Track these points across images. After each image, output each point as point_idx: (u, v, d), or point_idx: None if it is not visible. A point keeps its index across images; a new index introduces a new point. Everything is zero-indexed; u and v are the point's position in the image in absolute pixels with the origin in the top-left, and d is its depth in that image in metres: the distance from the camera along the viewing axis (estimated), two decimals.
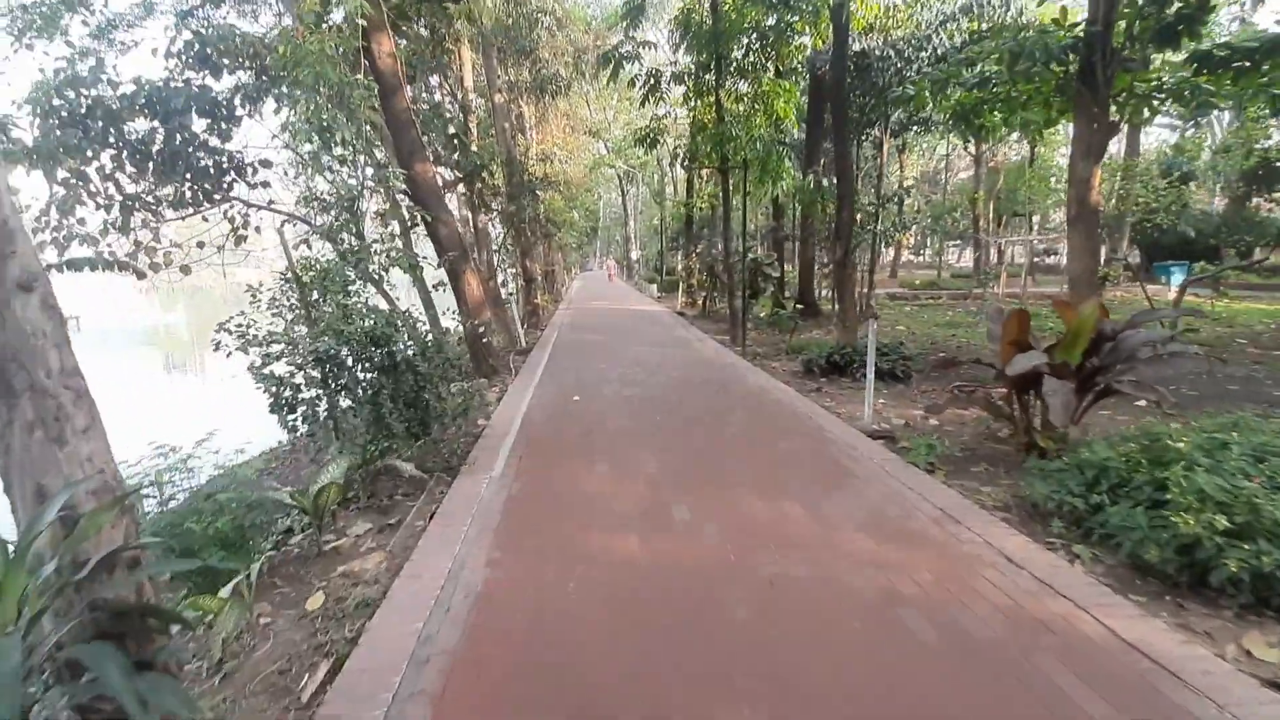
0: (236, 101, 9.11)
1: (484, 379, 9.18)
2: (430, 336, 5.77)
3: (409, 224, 9.81)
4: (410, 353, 5.24)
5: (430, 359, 5.40)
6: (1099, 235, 8.49)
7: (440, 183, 12.72)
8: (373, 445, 4.81)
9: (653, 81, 11.36)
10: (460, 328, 9.78)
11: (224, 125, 9.06)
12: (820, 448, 5.52)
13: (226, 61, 8.99)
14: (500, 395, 8.17)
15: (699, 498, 4.33)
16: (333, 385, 4.69)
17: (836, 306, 16.85)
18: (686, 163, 11.93)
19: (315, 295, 5.09)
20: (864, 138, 17.96)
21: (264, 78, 9.13)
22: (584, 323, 17.12)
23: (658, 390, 8.10)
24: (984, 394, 5.80)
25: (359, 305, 5.11)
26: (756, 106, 11.07)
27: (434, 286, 8.85)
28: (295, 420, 4.64)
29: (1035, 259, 32.52)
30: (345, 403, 4.86)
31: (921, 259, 51.80)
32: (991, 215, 35.42)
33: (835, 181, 14.75)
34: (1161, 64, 9.22)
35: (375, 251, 7.96)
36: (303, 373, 4.66)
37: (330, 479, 4.15)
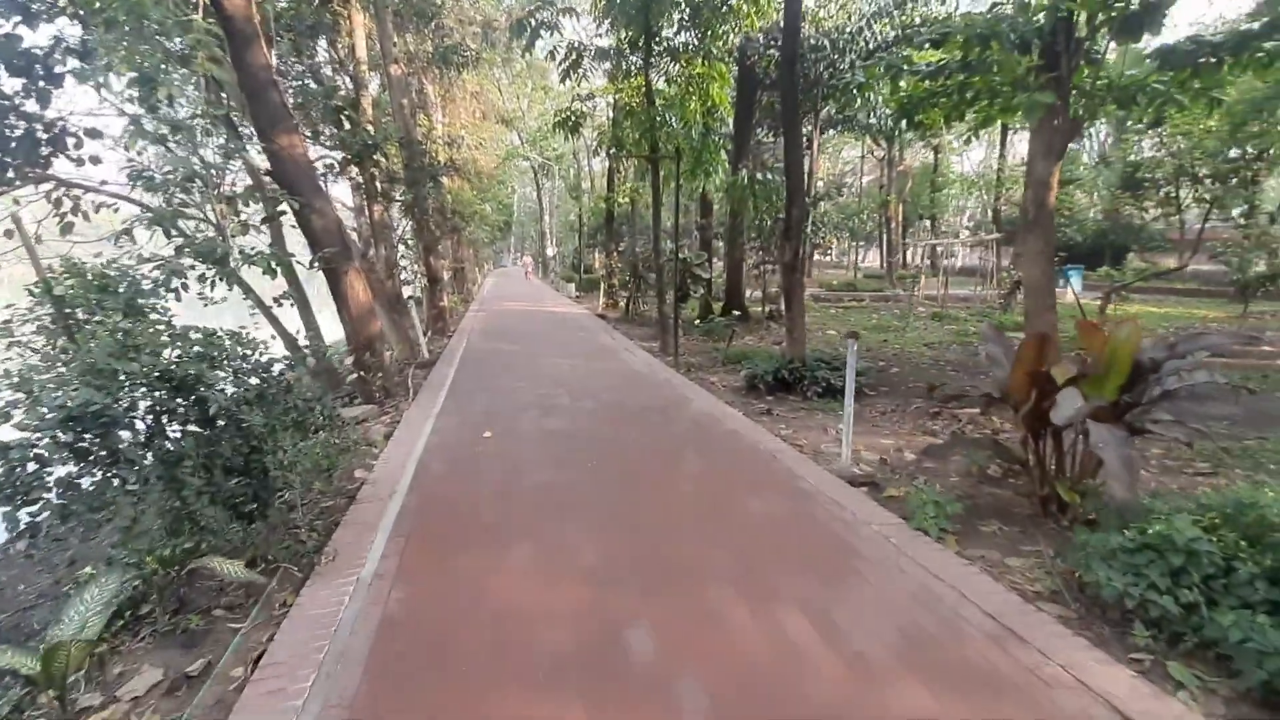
0: (57, 56, 7.02)
1: (373, 405, 7.49)
2: (280, 366, 4.15)
3: (276, 211, 7.94)
4: (244, 394, 3.64)
5: (275, 401, 3.81)
6: (1052, 239, 7.88)
7: (326, 166, 10.79)
8: (170, 543, 3.20)
9: (575, 56, 9.94)
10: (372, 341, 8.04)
11: (42, 85, 6.93)
12: (801, 507, 4.37)
13: (37, 5, 6.89)
14: (391, 430, 6.54)
15: (662, 611, 3.03)
16: (98, 457, 3.04)
17: (768, 309, 16.16)
18: (612, 150, 10.64)
19: (85, 316, 3.38)
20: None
21: (92, 28, 7.10)
22: (497, 327, 15.44)
23: (588, 420, 6.74)
24: (987, 432, 4.85)
25: (157, 330, 3.44)
26: (690, 90, 9.90)
27: (277, 301, 7.20)
28: (34, 515, 2.96)
29: (938, 261, 33.64)
30: (126, 476, 3.20)
31: (828, 259, 52.95)
32: (900, 218, 36.40)
33: (767, 177, 13.90)
34: (1119, 59, 8.77)
35: (223, 243, 6.16)
36: (50, 438, 2.98)
37: (74, 627, 2.54)
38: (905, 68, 8.62)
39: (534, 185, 45.20)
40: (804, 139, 16.91)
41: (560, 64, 10.11)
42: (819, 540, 3.83)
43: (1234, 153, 15.13)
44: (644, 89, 10.27)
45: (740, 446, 5.83)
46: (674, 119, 9.72)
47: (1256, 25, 6.84)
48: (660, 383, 8.85)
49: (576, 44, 9.86)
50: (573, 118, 10.94)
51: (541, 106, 38.38)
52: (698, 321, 12.52)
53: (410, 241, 13.08)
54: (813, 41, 12.70)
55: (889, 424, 7.00)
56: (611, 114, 16.39)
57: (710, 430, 6.38)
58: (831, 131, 22.87)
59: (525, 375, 9.27)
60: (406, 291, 15.39)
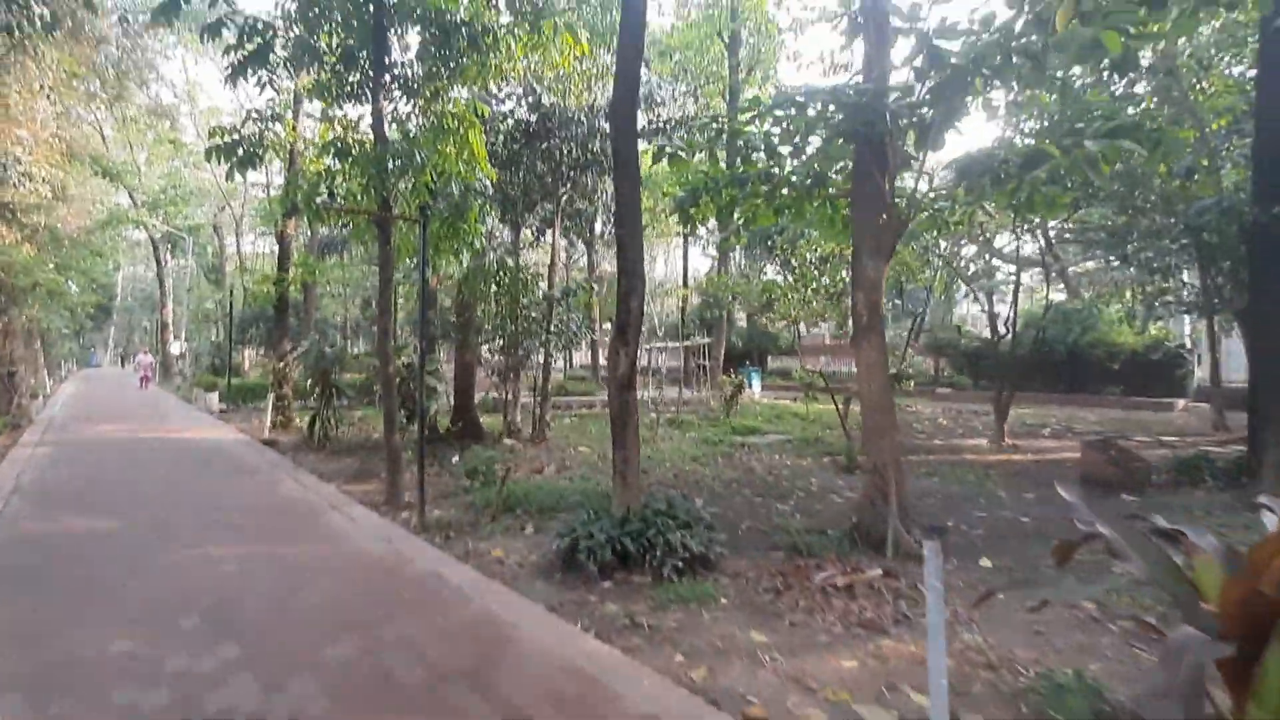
0: None
1: None
2: None
3: None
4: None
5: None
6: (884, 346, 6.90)
7: None
8: None
9: (258, 40, 6.11)
10: None
11: None
12: None
13: None
14: None
15: None
16: None
17: (510, 424, 12.81)
18: (319, 201, 6.76)
19: None
20: (523, 220, 15.26)
21: None
22: (73, 478, 9.18)
23: None
24: None
25: None
26: (447, 128, 6.95)
27: None
28: None
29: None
30: None
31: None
32: (599, 320, 37.33)
33: (518, 262, 11.34)
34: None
35: None
36: None
37: None
38: (738, 138, 7.19)
39: (153, 262, 34.56)
40: (546, 227, 14.95)
41: (231, 52, 6.16)
42: None
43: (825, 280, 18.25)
44: (373, 117, 6.98)
45: None
46: (422, 164, 6.59)
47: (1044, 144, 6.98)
48: (425, 583, 5.13)
49: (259, 21, 6.05)
50: (244, 145, 6.89)
51: (167, 165, 30.02)
52: (462, 461, 8.90)
53: None
54: (571, 114, 10.94)
55: (804, 619, 4.64)
56: (301, 153, 12.11)
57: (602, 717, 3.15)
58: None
59: (135, 613, 4.55)
60: None
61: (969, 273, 26.52)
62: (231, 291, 21.00)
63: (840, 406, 12.21)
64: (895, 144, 6.77)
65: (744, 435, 14.51)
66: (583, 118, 11.00)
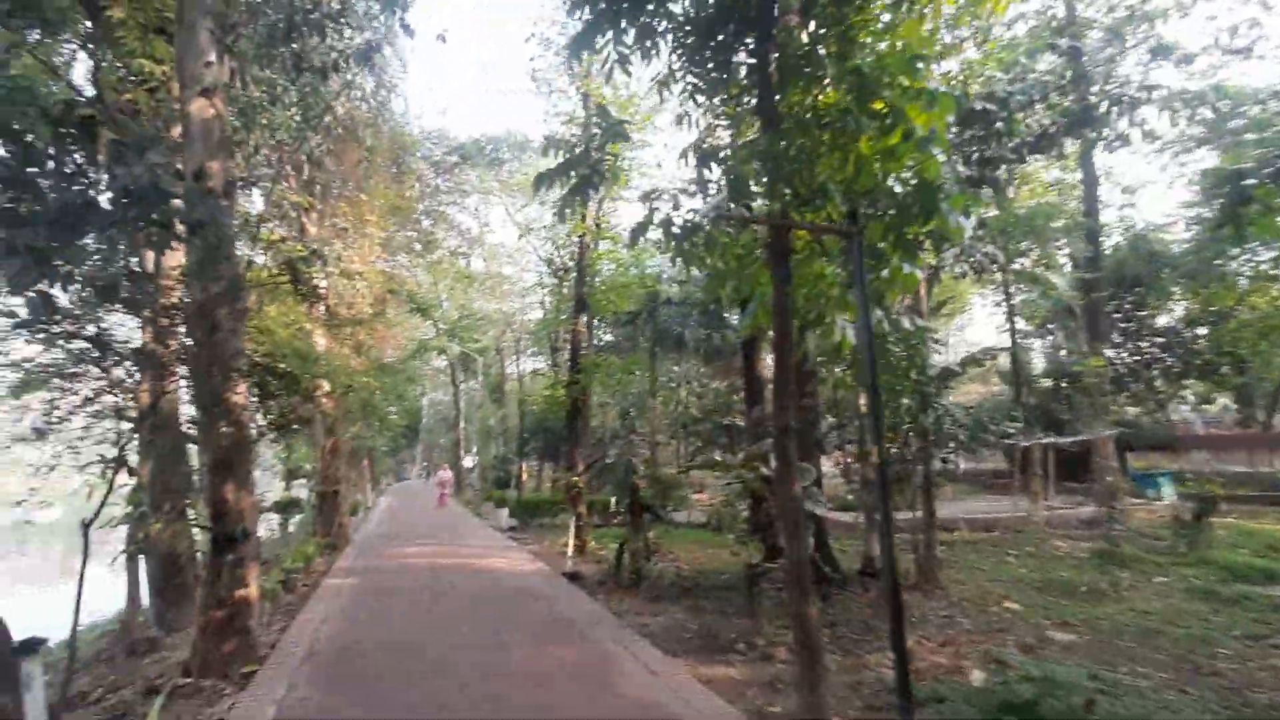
0: None
1: None
2: None
3: None
4: None
5: None
6: None
7: None
8: None
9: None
10: None
11: None
12: None
13: None
14: None
15: None
16: None
17: (920, 559, 8.37)
18: (721, 200, 4.33)
19: None
20: None
21: None
22: (370, 655, 7.26)
23: None
24: None
25: None
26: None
27: None
28: None
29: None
30: None
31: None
32: None
33: (917, 324, 7.89)
34: None
35: None
36: None
37: None
38: None
39: (450, 385, 38.37)
40: None
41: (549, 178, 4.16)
42: None
43: None
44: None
45: None
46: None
47: None
48: None
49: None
50: (584, 161, 4.65)
51: (464, 298, 33.22)
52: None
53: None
54: None
55: None
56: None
57: None
58: None
59: None
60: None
61: None
62: (521, 404, 20.84)
63: None
64: None
65: (1261, 583, 8.74)
66: None
